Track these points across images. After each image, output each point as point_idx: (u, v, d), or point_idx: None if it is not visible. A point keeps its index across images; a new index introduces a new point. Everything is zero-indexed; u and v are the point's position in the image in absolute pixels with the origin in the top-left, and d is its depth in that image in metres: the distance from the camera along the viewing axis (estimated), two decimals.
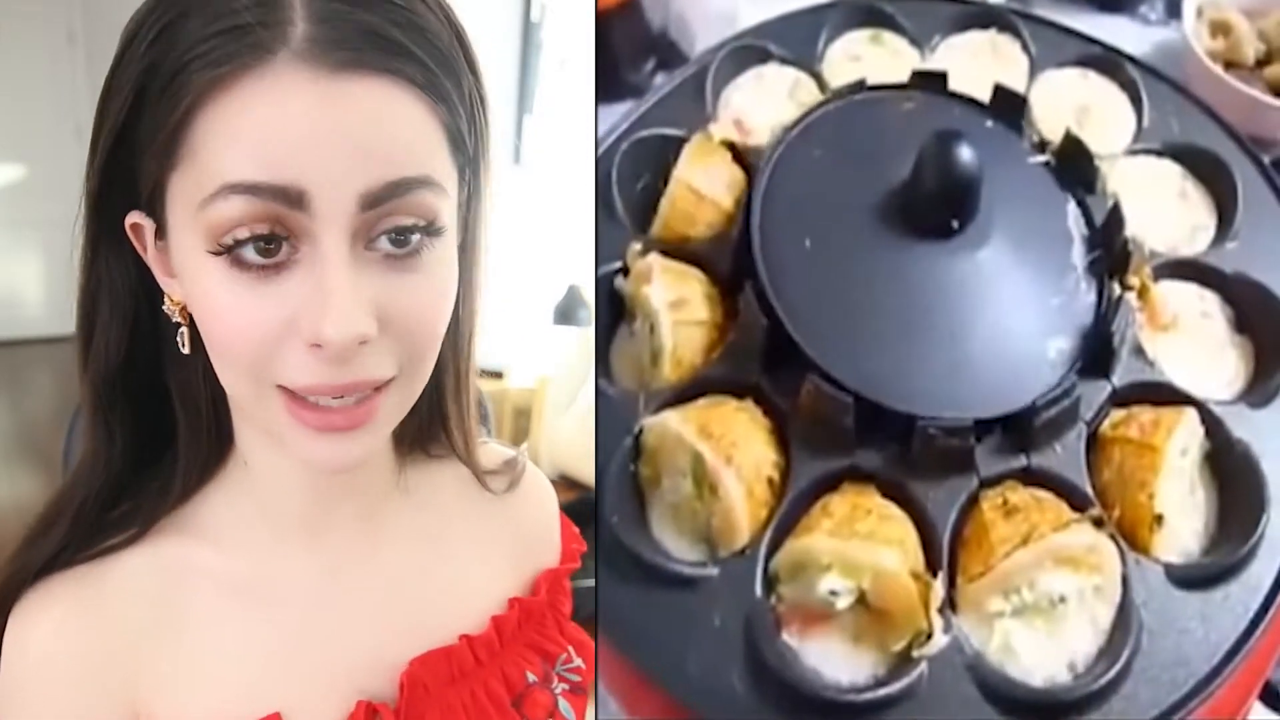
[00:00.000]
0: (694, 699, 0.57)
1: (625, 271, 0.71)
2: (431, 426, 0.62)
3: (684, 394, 0.66)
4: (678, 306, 0.67)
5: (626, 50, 0.98)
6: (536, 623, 0.64)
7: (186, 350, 0.52)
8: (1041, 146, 0.72)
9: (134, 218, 0.50)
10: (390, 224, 0.46)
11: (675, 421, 0.63)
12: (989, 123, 0.72)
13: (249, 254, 0.44)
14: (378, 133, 0.44)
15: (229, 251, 0.44)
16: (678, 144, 0.75)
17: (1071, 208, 0.69)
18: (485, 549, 0.65)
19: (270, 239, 0.44)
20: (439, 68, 0.46)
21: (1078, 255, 0.67)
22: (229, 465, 0.57)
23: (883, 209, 0.67)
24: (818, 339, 0.63)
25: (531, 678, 0.61)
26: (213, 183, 0.44)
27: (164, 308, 0.51)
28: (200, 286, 0.46)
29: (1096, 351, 0.64)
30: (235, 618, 0.55)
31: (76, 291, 0.53)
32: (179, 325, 0.51)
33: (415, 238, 0.46)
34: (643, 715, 0.61)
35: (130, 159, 0.48)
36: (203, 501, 0.56)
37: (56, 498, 0.55)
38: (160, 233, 0.49)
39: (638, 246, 0.72)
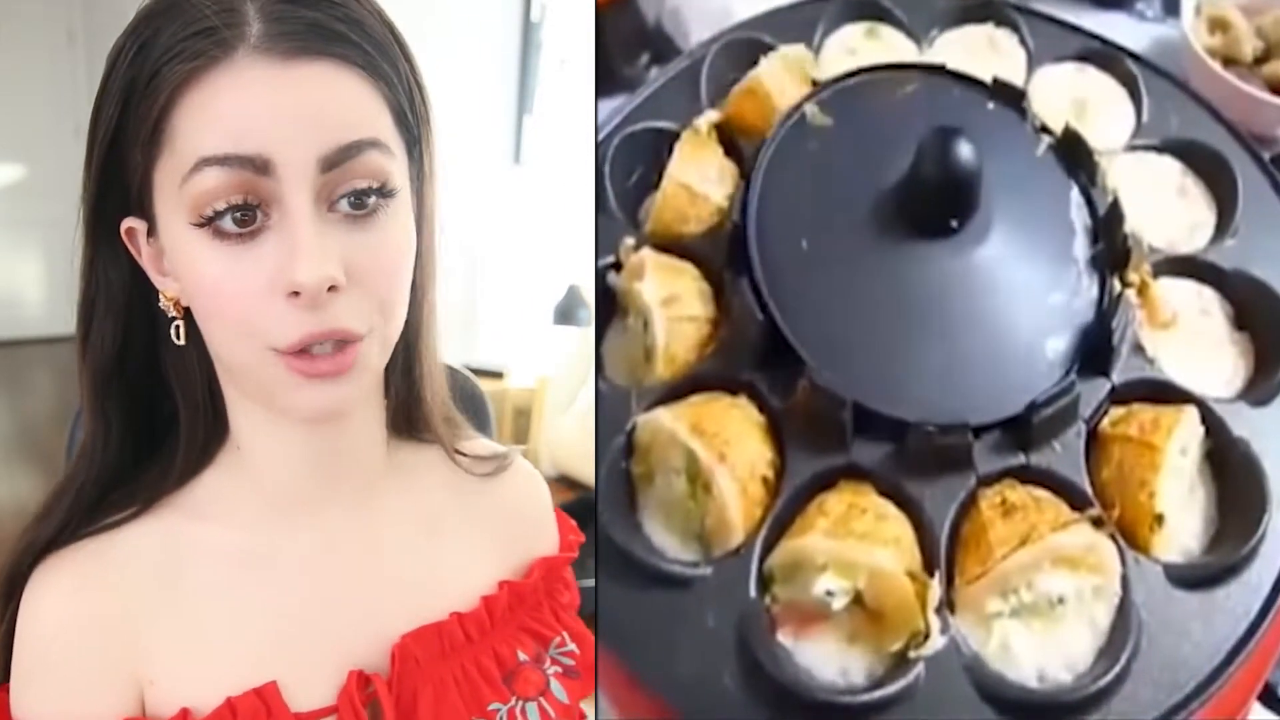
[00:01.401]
0: (685, 701, 0.56)
1: (618, 267, 0.71)
2: (411, 408, 0.65)
3: (677, 390, 0.65)
4: (670, 302, 0.67)
5: (621, 44, 0.97)
6: (530, 606, 0.66)
7: (181, 342, 0.57)
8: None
9: (128, 223, 0.55)
10: (348, 187, 0.52)
11: (668, 419, 0.62)
12: (990, 104, 0.71)
13: (227, 224, 0.51)
14: (328, 104, 0.51)
15: (210, 223, 0.51)
16: (671, 137, 0.74)
17: (1075, 195, 0.68)
18: (474, 532, 0.67)
19: (245, 208, 0.50)
20: (376, 52, 0.53)
21: (1079, 248, 0.67)
22: (225, 449, 0.61)
23: (881, 207, 0.66)
24: (813, 343, 0.62)
25: (523, 657, 0.63)
26: (190, 160, 0.50)
27: (159, 304, 0.56)
28: (189, 262, 0.52)
29: (1096, 349, 0.63)
30: (234, 590, 0.58)
31: (77, 293, 0.58)
32: (174, 320, 0.56)
33: (371, 199, 0.52)
34: (634, 716, 0.60)
35: (121, 162, 0.53)
36: (202, 482, 0.60)
37: (58, 484, 0.59)
38: (151, 230, 0.55)
39: (630, 241, 0.71)
